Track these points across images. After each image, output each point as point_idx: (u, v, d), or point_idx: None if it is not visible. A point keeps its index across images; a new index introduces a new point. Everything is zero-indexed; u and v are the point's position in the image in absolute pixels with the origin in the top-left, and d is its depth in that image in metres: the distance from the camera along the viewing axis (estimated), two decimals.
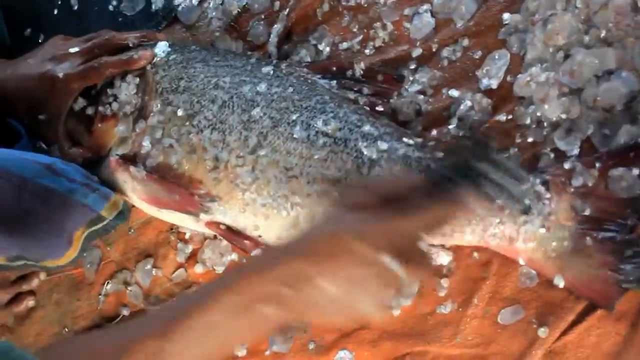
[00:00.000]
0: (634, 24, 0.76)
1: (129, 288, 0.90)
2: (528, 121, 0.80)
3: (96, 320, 0.90)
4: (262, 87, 0.82)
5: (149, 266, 0.91)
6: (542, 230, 0.73)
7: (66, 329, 0.91)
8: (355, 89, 0.84)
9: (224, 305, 0.57)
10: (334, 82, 0.84)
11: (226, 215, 0.81)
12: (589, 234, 0.73)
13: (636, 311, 0.72)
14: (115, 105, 0.85)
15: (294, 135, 0.79)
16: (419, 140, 0.79)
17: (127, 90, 0.85)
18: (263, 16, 0.95)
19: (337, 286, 0.58)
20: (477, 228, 0.74)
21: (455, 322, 0.78)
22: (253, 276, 0.58)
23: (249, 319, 0.58)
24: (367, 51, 0.89)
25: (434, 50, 0.87)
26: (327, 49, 0.91)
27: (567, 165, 0.74)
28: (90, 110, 0.85)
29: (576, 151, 0.76)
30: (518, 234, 0.74)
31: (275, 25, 0.92)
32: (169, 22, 0.99)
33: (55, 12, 1.06)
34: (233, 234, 0.82)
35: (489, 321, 0.77)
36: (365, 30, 0.90)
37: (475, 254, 0.78)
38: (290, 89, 0.82)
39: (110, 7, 1.03)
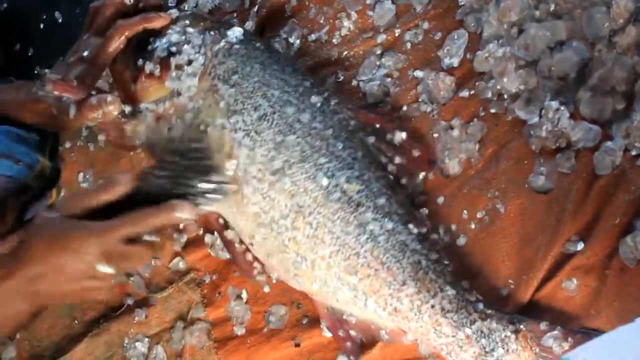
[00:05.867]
0: None
1: (132, 279, 0.90)
2: (489, 95, 0.83)
3: (103, 311, 0.91)
4: (305, 116, 0.79)
5: None
6: None
7: (76, 321, 0.92)
8: (389, 154, 0.81)
9: None
10: (372, 139, 0.81)
11: (230, 214, 0.81)
12: None
13: (602, 264, 0.74)
14: (166, 70, 0.82)
15: (316, 178, 0.77)
16: (423, 231, 0.77)
17: (182, 60, 0.82)
18: (235, 14, 0.98)
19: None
20: (442, 341, 0.74)
21: None
22: None
23: None
24: (334, 40, 0.92)
25: (397, 35, 0.90)
26: (297, 41, 0.93)
27: (543, 326, 0.73)
28: (141, 62, 0.83)
29: (536, 119, 0.78)
30: None
31: (247, 23, 0.95)
32: None
33: (42, 26, 1.08)
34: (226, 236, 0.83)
35: None
36: (331, 21, 0.93)
37: None
38: (330, 131, 0.79)
39: None
